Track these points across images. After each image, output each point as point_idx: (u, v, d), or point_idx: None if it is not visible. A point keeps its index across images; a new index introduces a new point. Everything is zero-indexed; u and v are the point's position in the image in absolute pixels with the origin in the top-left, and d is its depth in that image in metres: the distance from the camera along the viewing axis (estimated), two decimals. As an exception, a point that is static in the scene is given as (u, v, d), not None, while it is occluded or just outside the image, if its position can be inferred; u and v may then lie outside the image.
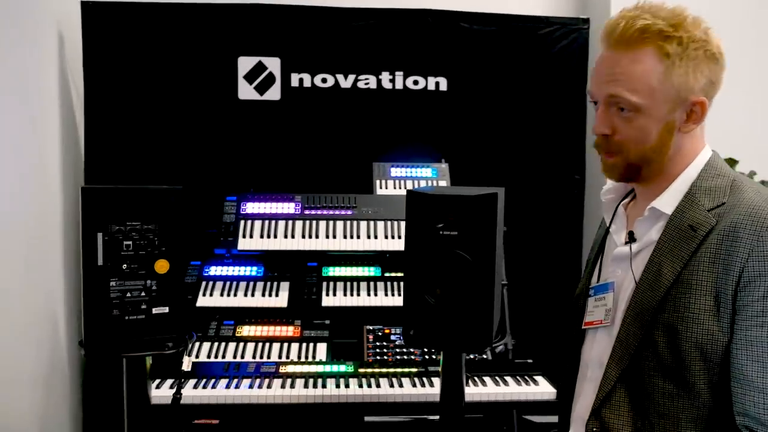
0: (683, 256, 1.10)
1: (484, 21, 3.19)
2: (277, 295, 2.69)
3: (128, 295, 1.53)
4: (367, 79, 3.16)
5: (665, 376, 1.11)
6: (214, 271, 2.76)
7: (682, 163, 1.18)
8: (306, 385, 2.29)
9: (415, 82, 3.18)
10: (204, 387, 2.25)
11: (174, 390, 2.11)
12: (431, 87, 3.19)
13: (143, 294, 1.55)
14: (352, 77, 3.15)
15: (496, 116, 3.21)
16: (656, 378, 1.11)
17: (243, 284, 2.72)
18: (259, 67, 3.11)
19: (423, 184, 3.02)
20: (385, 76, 3.17)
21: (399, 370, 2.42)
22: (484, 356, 2.56)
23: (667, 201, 1.17)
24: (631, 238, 1.21)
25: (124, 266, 1.52)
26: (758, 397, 1.04)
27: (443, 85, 3.20)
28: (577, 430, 1.26)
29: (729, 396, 1.08)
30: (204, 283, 2.71)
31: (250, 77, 3.11)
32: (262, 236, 2.78)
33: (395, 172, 3.06)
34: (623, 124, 1.16)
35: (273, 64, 3.11)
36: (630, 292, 1.17)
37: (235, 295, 2.68)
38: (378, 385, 2.29)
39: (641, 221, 1.20)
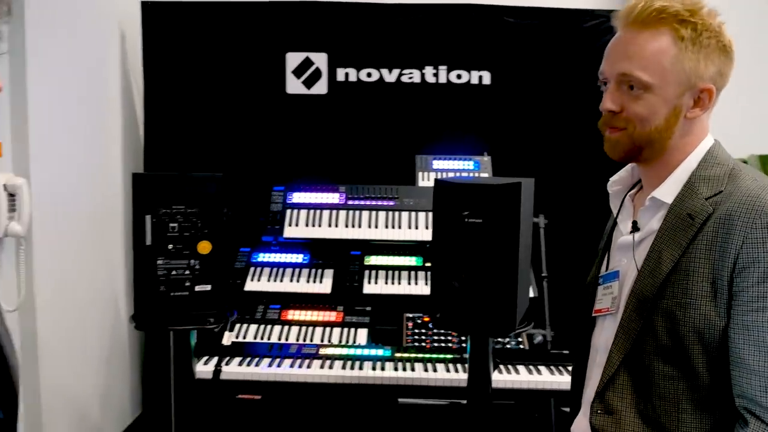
0: (682, 244, 1.13)
1: (528, 15, 3.20)
2: (321, 281, 2.79)
3: (173, 273, 1.66)
4: (411, 73, 3.22)
5: (665, 360, 1.14)
6: (262, 257, 2.89)
7: (684, 152, 1.19)
8: (344, 367, 2.39)
9: (459, 76, 3.23)
10: (248, 365, 2.39)
11: (216, 368, 2.24)
12: (474, 81, 3.23)
13: (187, 272, 1.67)
14: (396, 71, 3.22)
15: (539, 109, 3.22)
16: (657, 362, 1.15)
17: (289, 270, 2.84)
18: (307, 63, 3.21)
19: (465, 176, 3.07)
20: (429, 71, 3.22)
21: (435, 356, 2.49)
22: (521, 346, 2.60)
23: (668, 191, 1.19)
24: (634, 228, 1.24)
25: (170, 246, 1.65)
26: (755, 379, 1.06)
27: (486, 78, 3.23)
28: (586, 412, 1.30)
29: (728, 378, 1.10)
30: (252, 269, 2.83)
31: (298, 72, 3.22)
32: (307, 225, 2.89)
33: (437, 164, 3.12)
34: (632, 102, 1.17)
35: (320, 60, 3.21)
36: (633, 279, 1.21)
37: (281, 280, 2.79)
38: (413, 369, 2.37)
39: (643, 211, 1.23)
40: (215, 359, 2.41)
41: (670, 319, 1.12)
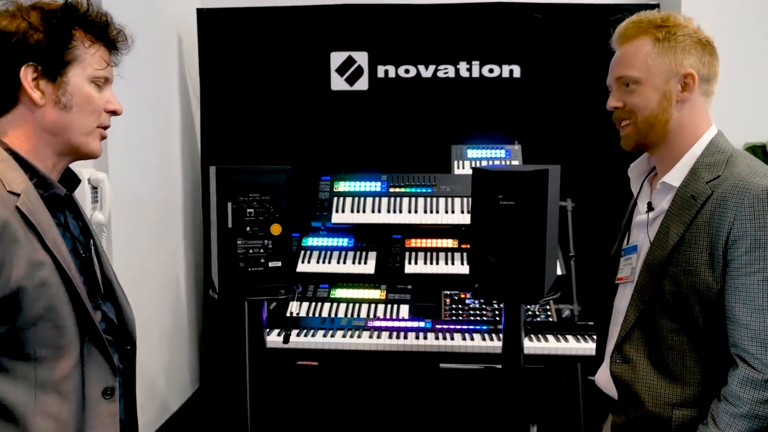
0: (686, 221, 1.36)
1: (556, 11, 3.40)
2: (365, 263, 3.04)
3: (250, 251, 1.94)
4: (446, 68, 3.45)
5: (671, 317, 1.38)
6: (311, 241, 3.16)
7: (689, 141, 1.43)
8: (390, 337, 2.66)
9: (491, 70, 3.44)
10: (305, 336, 2.68)
11: (282, 337, 2.54)
12: (505, 74, 3.44)
13: (262, 251, 1.96)
14: (432, 67, 3.45)
15: (567, 101, 3.42)
16: (664, 319, 1.39)
17: (336, 253, 3.10)
18: (349, 61, 3.47)
19: (497, 164, 3.29)
20: (463, 66, 3.45)
21: (471, 327, 2.74)
22: (551, 319, 2.84)
23: (676, 176, 1.43)
24: (649, 208, 1.49)
25: (248, 229, 1.93)
26: (744, 331, 1.29)
27: (517, 72, 3.44)
28: (608, 363, 1.54)
29: (723, 332, 1.34)
30: (303, 252, 3.11)
31: (341, 70, 3.48)
32: (352, 211, 3.14)
33: (471, 153, 3.34)
34: (629, 96, 1.44)
35: (361, 58, 3.46)
36: (646, 251, 1.45)
37: (329, 262, 3.06)
38: (452, 338, 2.63)
39: (656, 193, 1.47)
40: (282, 333, 2.70)
41: (675, 284, 1.36)
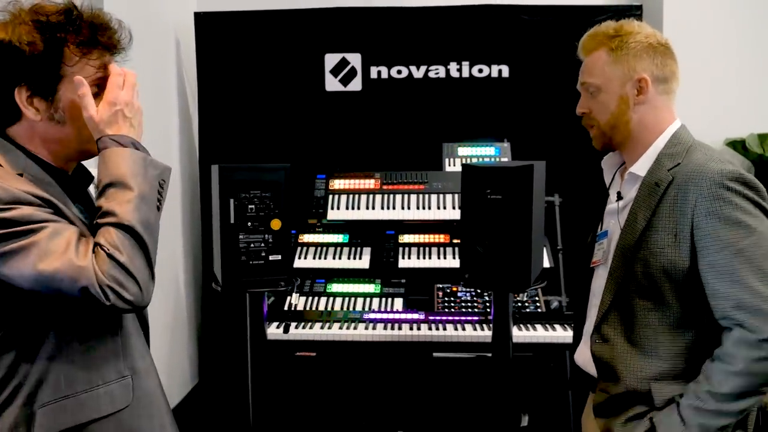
0: (651, 206, 1.48)
1: (543, 12, 3.50)
2: (360, 258, 3.14)
3: (252, 245, 2.05)
4: (437, 69, 3.55)
5: (643, 296, 1.49)
6: (308, 238, 3.25)
7: (652, 134, 1.56)
8: (385, 328, 2.77)
9: (480, 71, 3.54)
10: (303, 328, 2.78)
11: (282, 329, 2.64)
12: (494, 74, 3.54)
13: (262, 245, 2.06)
14: (423, 68, 3.55)
15: (554, 99, 3.51)
16: (637, 298, 1.50)
17: (331, 249, 3.19)
18: (343, 62, 3.56)
19: (487, 161, 3.40)
20: (453, 66, 3.55)
21: (463, 318, 2.85)
22: (539, 309, 2.95)
23: (641, 166, 1.55)
24: (618, 197, 1.61)
25: (249, 224, 2.04)
26: (729, 303, 1.38)
27: (505, 72, 3.54)
28: (585, 342, 1.65)
29: (694, 306, 1.44)
30: (299, 248, 3.20)
31: (335, 71, 3.57)
32: (347, 208, 3.23)
33: (462, 151, 3.44)
34: (592, 101, 1.61)
35: (355, 59, 3.56)
36: (618, 237, 1.56)
37: (325, 258, 3.15)
38: (444, 329, 2.73)
39: (625, 183, 1.60)
40: (282, 325, 2.81)
41: (645, 265, 1.48)
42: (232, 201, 1.98)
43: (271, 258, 2.05)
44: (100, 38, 1.27)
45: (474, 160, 3.42)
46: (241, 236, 2.01)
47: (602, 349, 1.56)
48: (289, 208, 2.10)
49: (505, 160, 3.39)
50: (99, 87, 1.29)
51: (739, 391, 1.37)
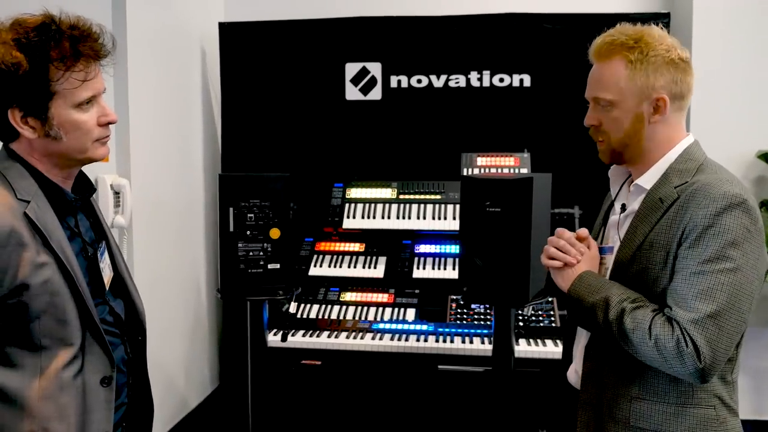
0: (651, 222, 1.42)
1: (565, 21, 3.44)
2: (375, 267, 3.14)
3: (251, 254, 2.07)
4: (457, 78, 3.53)
5: None
6: (323, 246, 3.27)
7: (663, 149, 1.48)
8: (392, 339, 2.75)
9: (501, 80, 3.51)
10: (310, 336, 2.79)
11: (280, 336, 2.66)
12: (516, 84, 3.50)
13: (261, 253, 2.08)
14: (443, 77, 3.53)
15: (577, 109, 3.39)
16: None
17: (347, 258, 3.21)
18: (363, 72, 3.58)
19: (506, 172, 3.35)
20: (474, 76, 3.52)
21: (472, 331, 2.81)
22: (554, 324, 2.88)
23: (648, 179, 1.48)
24: (622, 209, 1.55)
25: (248, 233, 2.06)
26: (673, 295, 1.34)
27: (527, 81, 3.49)
28: (577, 361, 1.61)
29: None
30: (315, 256, 3.22)
31: (355, 80, 3.59)
32: (363, 217, 3.24)
33: (481, 161, 3.39)
34: (604, 116, 1.49)
35: (375, 69, 3.57)
36: (616, 250, 1.51)
37: (340, 266, 3.17)
38: (452, 341, 2.70)
39: (630, 195, 1.54)
40: (279, 331, 2.82)
41: (635, 282, 1.43)
42: (231, 209, 2.01)
43: (269, 266, 2.07)
44: (81, 49, 1.28)
45: (494, 171, 3.37)
46: (240, 244, 2.03)
47: (592, 368, 1.52)
48: (288, 218, 2.12)
49: (525, 170, 3.34)
50: (87, 105, 1.30)
51: (622, 333, 1.37)
